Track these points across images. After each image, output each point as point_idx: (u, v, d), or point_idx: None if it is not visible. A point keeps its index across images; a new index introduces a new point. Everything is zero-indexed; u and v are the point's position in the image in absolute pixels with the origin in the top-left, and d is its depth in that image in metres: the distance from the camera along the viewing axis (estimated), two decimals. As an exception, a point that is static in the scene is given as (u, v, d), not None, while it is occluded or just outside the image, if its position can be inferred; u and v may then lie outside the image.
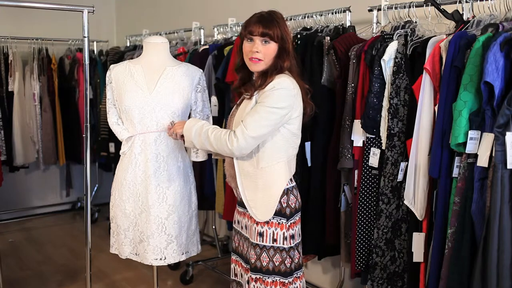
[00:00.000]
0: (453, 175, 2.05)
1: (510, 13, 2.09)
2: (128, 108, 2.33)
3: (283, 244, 2.00)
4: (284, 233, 2.00)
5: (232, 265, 2.22)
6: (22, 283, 3.51)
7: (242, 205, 2.09)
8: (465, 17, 2.23)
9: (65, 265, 3.86)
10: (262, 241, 2.00)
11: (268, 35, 1.92)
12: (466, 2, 2.23)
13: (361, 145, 2.47)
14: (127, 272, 3.66)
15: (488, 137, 1.88)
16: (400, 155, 2.32)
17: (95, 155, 4.66)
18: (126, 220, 2.41)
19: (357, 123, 2.44)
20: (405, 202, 2.23)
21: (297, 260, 2.05)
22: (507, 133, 1.81)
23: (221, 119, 3.25)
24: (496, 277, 1.83)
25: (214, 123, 2.56)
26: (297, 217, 2.06)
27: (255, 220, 2.01)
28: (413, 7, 2.44)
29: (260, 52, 1.94)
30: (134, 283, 3.51)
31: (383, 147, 2.37)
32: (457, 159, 2.03)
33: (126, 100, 2.33)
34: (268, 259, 1.99)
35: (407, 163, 2.23)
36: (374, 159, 2.40)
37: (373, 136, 2.41)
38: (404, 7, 2.47)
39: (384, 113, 2.35)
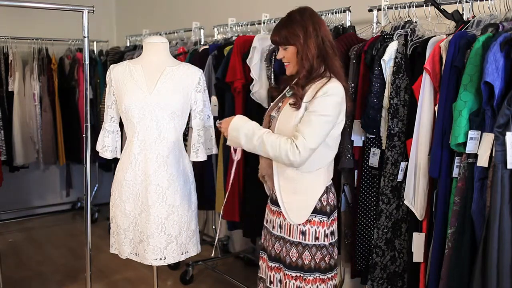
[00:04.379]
0: (453, 175, 2.05)
1: (510, 13, 2.09)
2: (127, 108, 2.33)
3: (324, 241, 2.01)
4: (325, 231, 2.01)
5: (263, 264, 2.19)
6: (22, 283, 3.51)
7: (276, 204, 2.06)
8: (465, 17, 2.23)
9: (65, 265, 3.86)
10: (305, 240, 1.99)
11: (278, 41, 1.97)
12: (466, 2, 2.23)
13: (361, 145, 2.47)
14: (127, 272, 3.66)
15: (488, 137, 1.88)
16: (400, 155, 2.32)
17: (95, 155, 4.65)
18: (126, 220, 2.41)
19: (357, 123, 2.44)
20: (405, 202, 2.23)
21: (335, 256, 2.07)
22: (507, 133, 1.81)
23: (221, 119, 3.24)
24: (496, 277, 1.83)
25: (214, 123, 2.57)
26: (335, 214, 2.08)
27: None
28: (413, 7, 2.44)
29: (285, 57, 1.99)
30: (134, 283, 3.51)
31: (383, 147, 2.37)
32: (457, 159, 2.03)
33: (126, 100, 2.33)
34: (310, 257, 2.00)
35: (407, 163, 2.23)
36: (374, 159, 2.40)
37: (373, 136, 2.41)
38: (404, 7, 2.47)
39: (384, 113, 2.35)
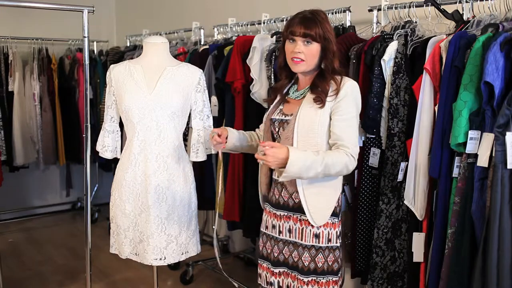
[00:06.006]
0: (453, 175, 2.05)
1: (510, 13, 2.09)
2: (128, 108, 2.33)
3: (336, 242, 2.01)
4: (337, 232, 2.01)
5: (264, 273, 2.14)
6: (22, 283, 3.51)
7: (286, 208, 2.03)
8: (465, 17, 2.23)
9: (65, 265, 3.86)
10: (318, 243, 1.98)
11: (310, 35, 1.90)
12: (466, 2, 2.23)
13: (361, 145, 2.47)
14: (127, 272, 3.66)
15: (488, 137, 1.88)
16: (400, 155, 2.32)
17: (95, 155, 4.66)
18: (126, 220, 2.41)
19: (357, 123, 2.44)
20: (405, 202, 2.23)
21: (341, 256, 2.08)
22: (507, 133, 1.81)
23: (221, 119, 3.25)
24: (496, 277, 1.83)
25: (214, 123, 2.57)
26: (340, 214, 2.08)
27: (309, 222, 1.98)
28: (413, 7, 2.44)
29: (302, 53, 1.93)
30: (134, 283, 3.51)
31: (383, 147, 2.37)
32: (457, 159, 2.03)
33: (126, 100, 2.33)
34: (323, 260, 1.99)
35: (407, 163, 2.23)
36: (374, 159, 2.40)
37: (373, 136, 2.41)
38: (404, 7, 2.47)
39: (384, 113, 2.35)
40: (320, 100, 1.92)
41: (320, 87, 1.94)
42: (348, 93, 1.91)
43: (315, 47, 1.92)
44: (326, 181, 1.97)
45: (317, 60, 1.95)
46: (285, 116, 2.02)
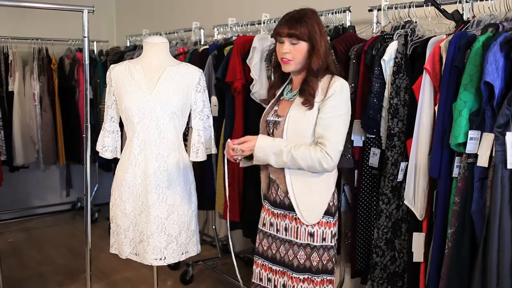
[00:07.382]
0: (453, 175, 2.05)
1: (510, 13, 2.09)
2: (128, 108, 2.33)
3: (331, 242, 2.03)
4: (332, 232, 2.03)
5: (258, 270, 2.17)
6: (22, 283, 3.51)
7: (282, 207, 2.05)
8: (465, 17, 2.23)
9: (65, 265, 3.86)
10: (313, 241, 2.00)
11: (294, 35, 1.92)
12: (466, 2, 2.23)
13: (361, 145, 2.47)
14: (127, 272, 3.66)
15: (488, 137, 1.88)
16: (400, 155, 2.32)
17: (95, 155, 4.66)
18: (126, 220, 2.41)
19: (357, 123, 2.44)
20: (405, 202, 2.23)
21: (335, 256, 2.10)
22: (507, 133, 1.81)
23: (221, 119, 3.25)
24: (496, 277, 1.83)
25: (214, 123, 2.57)
26: (337, 214, 2.09)
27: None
28: (413, 7, 2.44)
29: (290, 53, 1.95)
30: (134, 283, 3.51)
31: (383, 147, 2.37)
32: (457, 159, 2.03)
33: (126, 100, 2.33)
34: (318, 259, 2.01)
35: (407, 163, 2.23)
36: (374, 159, 2.40)
37: (373, 136, 2.41)
38: (404, 7, 2.47)
39: (384, 113, 2.35)
40: (308, 102, 1.94)
41: (307, 90, 1.96)
42: (336, 92, 1.92)
43: (303, 46, 1.94)
44: (316, 178, 1.99)
45: (306, 59, 1.97)
46: (277, 118, 2.05)
